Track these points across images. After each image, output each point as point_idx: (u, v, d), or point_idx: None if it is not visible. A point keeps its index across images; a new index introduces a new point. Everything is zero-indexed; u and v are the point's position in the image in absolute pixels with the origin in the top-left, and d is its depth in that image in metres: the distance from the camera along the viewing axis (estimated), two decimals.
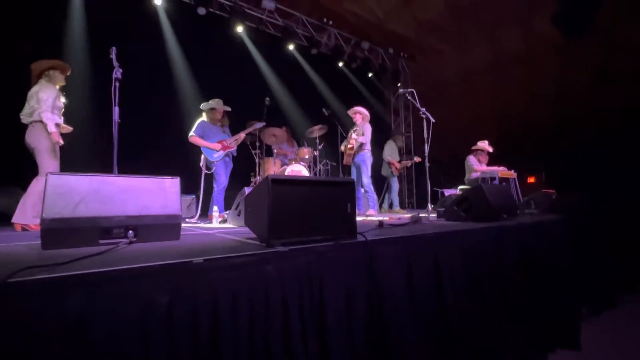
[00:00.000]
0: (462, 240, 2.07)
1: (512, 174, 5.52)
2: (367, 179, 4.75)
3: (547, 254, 2.57)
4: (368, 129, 4.87)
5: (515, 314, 2.20)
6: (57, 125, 2.99)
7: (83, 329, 0.92)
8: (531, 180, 8.33)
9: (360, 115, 4.94)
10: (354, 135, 4.85)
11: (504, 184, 5.26)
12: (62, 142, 2.99)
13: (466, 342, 1.89)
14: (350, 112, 5.04)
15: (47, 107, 2.89)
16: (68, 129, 3.25)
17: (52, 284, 0.92)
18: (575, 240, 2.98)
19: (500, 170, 5.39)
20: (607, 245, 3.41)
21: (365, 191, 4.79)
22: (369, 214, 4.42)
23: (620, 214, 3.89)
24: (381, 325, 1.57)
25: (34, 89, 2.97)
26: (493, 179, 5.32)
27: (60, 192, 1.51)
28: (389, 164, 5.98)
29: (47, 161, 2.91)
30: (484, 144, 5.72)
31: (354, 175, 4.92)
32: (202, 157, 4.12)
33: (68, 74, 3.21)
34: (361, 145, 4.79)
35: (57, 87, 3.09)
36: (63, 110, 3.14)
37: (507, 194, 3.21)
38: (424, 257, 1.83)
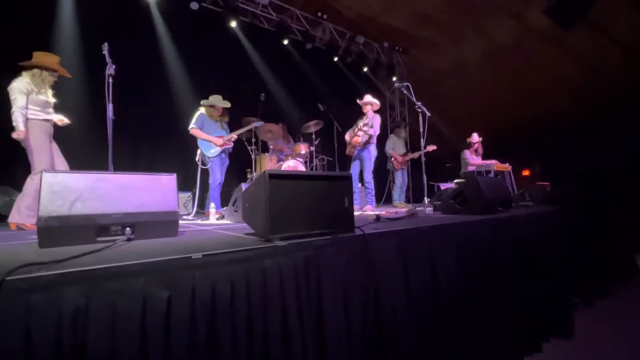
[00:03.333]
0: (457, 233, 2.09)
1: (507, 167, 5.58)
2: (369, 175, 4.60)
3: (540, 245, 2.61)
4: (377, 121, 4.63)
5: (510, 305, 2.24)
6: (47, 120, 2.94)
7: (82, 326, 0.93)
8: (526, 173, 8.42)
9: (370, 106, 4.68)
10: (362, 127, 4.54)
11: (499, 177, 5.31)
12: (22, 137, 2.80)
13: (461, 334, 1.92)
14: (360, 102, 4.77)
15: (18, 106, 2.80)
16: (65, 121, 3.14)
17: (51, 281, 0.92)
18: (568, 232, 3.03)
19: (495, 164, 5.43)
20: (600, 236, 3.47)
21: (366, 187, 4.67)
22: (366, 209, 4.43)
23: (611, 206, 3.95)
24: (378, 319, 1.58)
25: (12, 83, 2.86)
26: (488, 172, 5.37)
27: (56, 190, 1.50)
28: (390, 157, 6.00)
29: (39, 158, 2.86)
30: (474, 136, 5.78)
31: (355, 169, 4.75)
32: (199, 151, 4.08)
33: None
34: (369, 138, 4.56)
35: (43, 83, 2.97)
36: (52, 103, 3.04)
37: (502, 186, 3.24)
38: (420, 250, 1.85)
